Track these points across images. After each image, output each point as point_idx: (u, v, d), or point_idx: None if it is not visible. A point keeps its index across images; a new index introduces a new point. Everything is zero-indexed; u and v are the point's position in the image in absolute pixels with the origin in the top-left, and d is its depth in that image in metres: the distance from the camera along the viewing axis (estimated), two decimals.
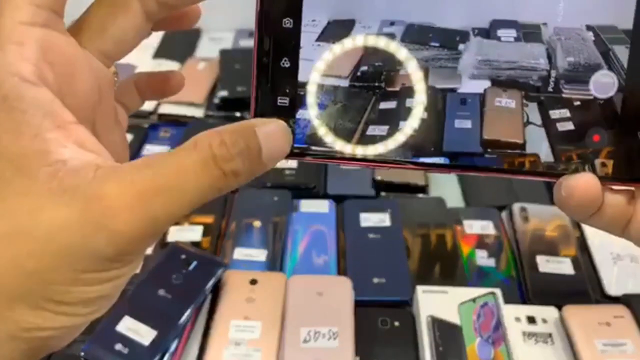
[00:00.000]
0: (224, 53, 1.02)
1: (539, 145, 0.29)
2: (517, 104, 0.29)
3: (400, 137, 0.29)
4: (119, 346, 0.56)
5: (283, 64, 0.28)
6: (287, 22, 0.27)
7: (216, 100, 0.92)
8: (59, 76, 0.23)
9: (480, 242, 0.71)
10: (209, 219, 0.73)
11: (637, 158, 0.27)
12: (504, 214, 0.75)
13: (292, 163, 0.81)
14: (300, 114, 0.28)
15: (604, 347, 0.58)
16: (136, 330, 0.57)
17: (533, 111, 0.29)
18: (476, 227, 0.72)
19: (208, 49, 1.08)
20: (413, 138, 0.29)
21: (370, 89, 0.29)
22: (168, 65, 1.01)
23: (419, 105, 0.29)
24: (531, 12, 0.28)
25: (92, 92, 0.26)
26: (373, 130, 0.29)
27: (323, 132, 0.29)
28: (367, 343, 0.59)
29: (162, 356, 0.56)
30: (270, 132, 0.25)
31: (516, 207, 0.74)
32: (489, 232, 0.72)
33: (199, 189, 0.23)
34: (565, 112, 0.28)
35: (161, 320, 0.58)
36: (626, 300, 0.63)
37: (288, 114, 0.28)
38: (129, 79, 0.31)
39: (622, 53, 0.27)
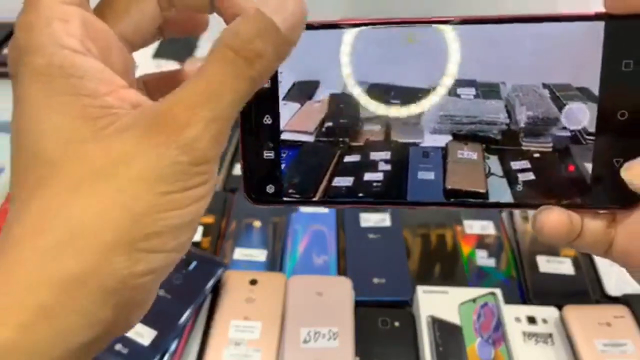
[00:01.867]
0: None
1: (501, 195, 0.30)
2: (479, 156, 0.30)
3: (363, 189, 0.30)
4: (119, 346, 0.56)
5: (265, 121, 0.30)
6: (266, 82, 0.29)
7: None
8: (100, 52, 0.24)
9: (481, 242, 0.71)
10: (209, 219, 0.73)
11: (613, 185, 0.28)
12: (504, 214, 0.75)
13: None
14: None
15: (604, 347, 0.58)
16: (136, 330, 0.57)
17: (494, 163, 0.30)
18: (476, 227, 0.72)
19: (208, 49, 1.08)
20: (377, 189, 0.30)
21: (335, 144, 0.31)
22: (168, 65, 1.01)
23: (382, 158, 0.31)
24: (489, 71, 0.29)
25: (124, 72, 0.26)
26: (338, 182, 0.31)
27: (296, 181, 0.31)
28: (367, 343, 0.59)
29: (162, 356, 0.56)
30: (276, 2, 0.24)
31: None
32: (489, 232, 0.72)
33: (230, 85, 0.24)
34: (526, 164, 0.30)
35: (161, 320, 0.58)
36: (626, 300, 0.63)
37: (274, 166, 0.30)
38: (139, 78, 0.31)
39: (575, 108, 0.29)
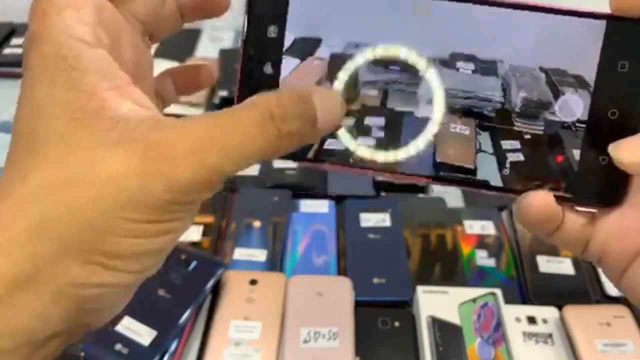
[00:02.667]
0: (224, 53, 1.02)
1: (490, 173, 0.30)
2: (471, 131, 0.30)
3: (354, 153, 0.30)
4: (119, 346, 0.56)
5: (266, 70, 0.30)
6: (272, 31, 0.30)
7: (216, 101, 0.92)
8: (111, 41, 0.24)
9: (481, 242, 0.71)
10: (209, 219, 0.73)
11: (597, 181, 0.28)
12: (504, 214, 0.75)
13: (292, 163, 0.81)
14: None
15: (604, 347, 0.58)
16: (136, 330, 0.57)
17: (485, 140, 0.30)
18: (476, 227, 0.72)
19: (208, 49, 1.08)
20: (367, 155, 0.30)
21: None
22: (168, 65, 1.01)
23: (376, 124, 0.30)
24: (489, 48, 0.29)
25: (133, 65, 0.26)
26: (330, 144, 0.31)
27: None
28: (367, 343, 0.59)
29: (162, 356, 0.56)
30: (326, 98, 0.25)
31: None
32: (489, 232, 0.72)
33: (254, 145, 0.23)
34: (516, 144, 0.30)
35: (161, 320, 0.58)
36: (627, 300, 0.63)
37: (273, 84, 0.30)
38: (166, 71, 0.31)
39: (570, 95, 0.29)
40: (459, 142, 0.30)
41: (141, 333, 0.57)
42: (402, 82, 0.30)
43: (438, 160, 0.30)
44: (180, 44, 1.09)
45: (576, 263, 0.68)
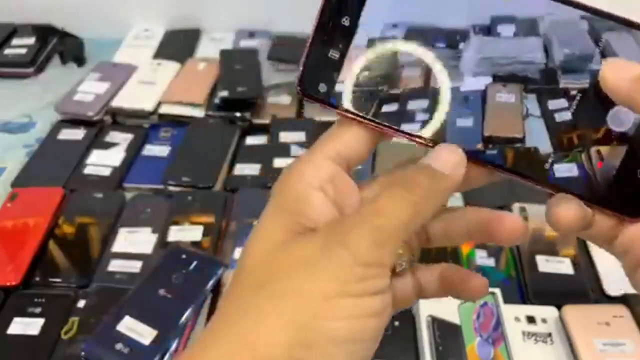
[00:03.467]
0: (224, 53, 1.02)
1: (539, 138, 0.29)
2: (517, 97, 0.30)
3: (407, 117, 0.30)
4: (119, 346, 0.56)
5: (343, 22, 0.29)
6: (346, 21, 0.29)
7: (216, 100, 0.92)
8: (337, 198, 0.29)
9: None
10: (209, 219, 0.74)
11: (632, 193, 0.28)
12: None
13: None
14: (345, 70, 0.30)
15: (604, 346, 0.58)
16: (136, 330, 0.57)
17: (532, 103, 0.30)
18: None
19: (208, 49, 1.08)
20: (418, 124, 0.30)
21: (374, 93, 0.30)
22: (168, 65, 1.01)
23: (420, 107, 0.30)
24: (528, 6, 0.29)
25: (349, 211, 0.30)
26: (386, 108, 0.30)
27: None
28: None
29: (163, 356, 0.57)
30: (446, 158, 0.28)
31: (516, 207, 0.74)
32: None
33: (403, 221, 0.27)
34: (563, 102, 0.29)
35: (161, 320, 0.58)
36: (625, 299, 0.63)
37: (335, 68, 0.30)
38: (434, 267, 0.33)
39: (614, 40, 0.28)
40: (506, 111, 0.30)
41: (142, 333, 0.57)
42: (446, 57, 0.29)
43: (486, 134, 0.30)
44: (180, 45, 1.09)
45: (575, 263, 0.68)
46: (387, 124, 0.29)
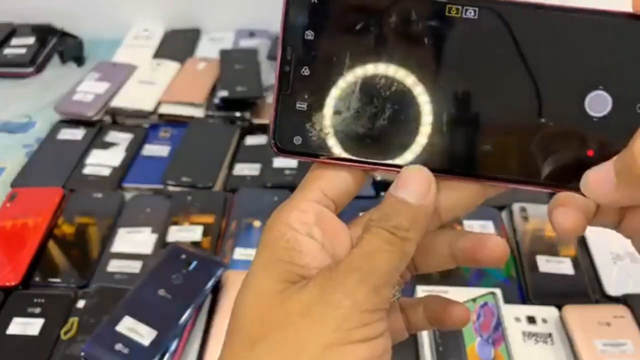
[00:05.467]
0: (224, 53, 1.02)
1: None
2: None
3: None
4: (119, 346, 0.56)
5: (303, 72, 0.30)
6: (309, 35, 0.29)
7: (216, 100, 0.92)
8: (326, 241, 0.29)
9: None
10: (209, 219, 0.74)
11: None
12: (504, 214, 0.75)
13: (292, 163, 0.81)
14: (316, 118, 0.30)
15: (604, 347, 0.58)
16: (136, 330, 0.57)
17: None
18: (476, 226, 0.72)
19: (208, 49, 1.08)
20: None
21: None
22: (168, 65, 1.01)
23: None
24: None
25: (342, 254, 0.29)
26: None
27: (342, 137, 0.30)
28: None
29: (162, 356, 0.56)
30: (413, 184, 0.28)
31: (516, 207, 0.74)
32: (488, 232, 0.72)
33: (394, 264, 0.27)
34: None
35: (161, 320, 0.58)
36: (626, 300, 0.63)
37: (306, 118, 0.30)
38: (418, 300, 0.34)
39: None
40: None
41: (141, 333, 0.57)
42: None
43: None
44: (180, 45, 1.09)
45: (576, 263, 0.68)
46: (373, 161, 0.29)
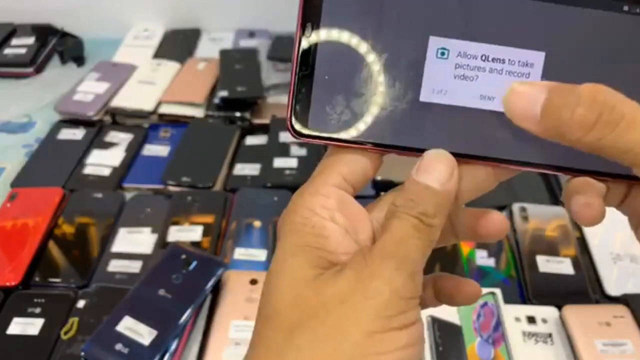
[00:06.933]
0: (224, 53, 1.02)
1: None
2: None
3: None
4: (119, 346, 0.56)
5: (322, 51, 0.28)
6: (330, 11, 0.28)
7: (216, 100, 0.92)
8: (349, 226, 0.29)
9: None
10: (209, 219, 0.74)
11: None
12: (503, 214, 0.75)
13: (292, 163, 0.81)
14: (336, 100, 0.28)
15: (604, 347, 0.58)
16: (136, 330, 0.57)
17: None
18: None
19: (208, 49, 1.08)
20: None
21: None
22: (168, 65, 1.01)
23: None
24: None
25: (365, 240, 0.29)
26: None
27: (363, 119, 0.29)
28: None
29: (162, 356, 0.56)
30: (436, 169, 0.27)
31: (516, 207, 0.74)
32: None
33: (420, 249, 0.28)
34: None
35: (161, 320, 0.58)
36: (626, 300, 0.63)
37: (325, 100, 0.28)
38: (427, 278, 0.33)
39: None
40: None
41: (141, 333, 0.57)
42: None
43: None
44: (180, 45, 1.09)
45: (576, 263, 0.68)
46: (394, 144, 0.29)
